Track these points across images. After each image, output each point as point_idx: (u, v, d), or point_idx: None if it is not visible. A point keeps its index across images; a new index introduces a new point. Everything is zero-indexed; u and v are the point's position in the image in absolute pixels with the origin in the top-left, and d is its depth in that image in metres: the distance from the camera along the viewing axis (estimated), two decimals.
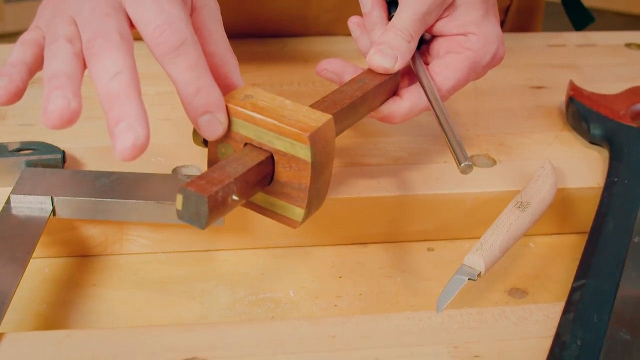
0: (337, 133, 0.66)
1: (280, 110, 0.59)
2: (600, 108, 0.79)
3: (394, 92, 0.70)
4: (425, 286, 0.69)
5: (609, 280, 0.61)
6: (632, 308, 0.60)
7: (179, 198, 0.54)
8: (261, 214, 0.61)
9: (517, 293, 0.69)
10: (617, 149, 0.75)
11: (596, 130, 0.77)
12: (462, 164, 0.62)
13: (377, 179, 0.73)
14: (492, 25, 0.72)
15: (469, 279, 0.63)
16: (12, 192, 0.67)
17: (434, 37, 0.73)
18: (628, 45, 1.00)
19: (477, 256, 0.63)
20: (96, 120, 0.80)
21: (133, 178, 0.69)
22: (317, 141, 0.57)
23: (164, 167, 0.74)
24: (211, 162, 0.62)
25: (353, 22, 0.76)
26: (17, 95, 0.56)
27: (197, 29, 0.62)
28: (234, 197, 0.56)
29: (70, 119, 0.52)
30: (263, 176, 0.58)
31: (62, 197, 0.67)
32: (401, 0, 0.70)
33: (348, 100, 0.65)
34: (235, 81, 0.62)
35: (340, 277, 0.70)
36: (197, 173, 0.73)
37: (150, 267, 0.70)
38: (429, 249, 0.73)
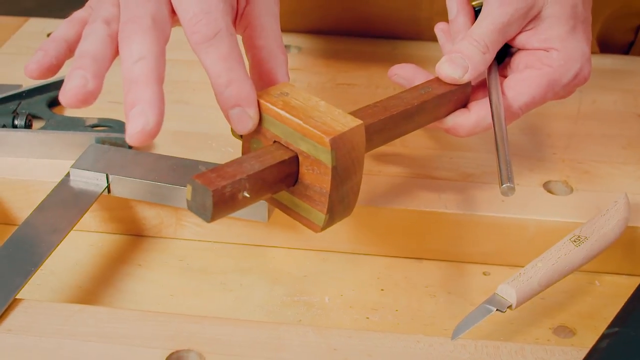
0: (387, 140, 0.64)
1: (310, 112, 0.57)
2: None
3: (464, 104, 0.67)
4: (468, 311, 0.65)
5: None
6: None
7: (189, 188, 0.54)
8: (286, 213, 0.60)
9: (564, 332, 0.64)
10: None
11: None
12: (504, 185, 0.59)
13: (439, 194, 0.70)
14: (578, 43, 0.67)
15: (496, 309, 0.59)
16: (73, 166, 0.69)
17: (518, 50, 0.69)
18: None
19: (510, 287, 0.60)
20: (182, 104, 0.82)
21: (191, 165, 0.70)
22: (341, 146, 0.56)
23: (231, 157, 0.73)
24: None
25: (439, 28, 0.73)
26: (50, 70, 0.57)
27: (249, 22, 0.62)
28: (246, 194, 0.55)
29: (85, 99, 0.53)
30: (285, 176, 0.57)
31: (117, 176, 0.68)
32: (484, 8, 0.67)
33: (402, 107, 0.63)
34: (278, 77, 0.61)
35: (382, 290, 0.67)
36: None
37: (197, 255, 0.70)
38: (484, 273, 0.69)
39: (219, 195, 0.53)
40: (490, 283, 0.68)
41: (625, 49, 0.97)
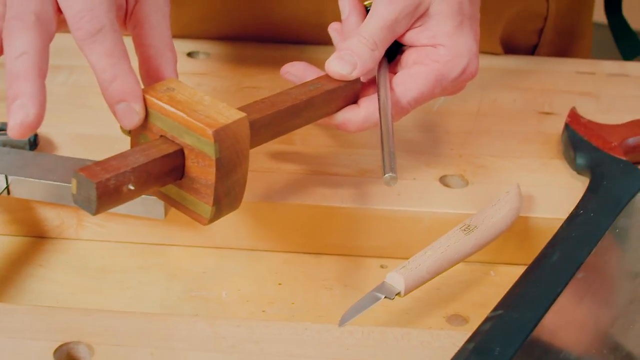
0: (275, 135, 0.65)
1: (195, 106, 0.58)
2: (592, 137, 0.74)
3: (354, 100, 0.69)
4: None
5: (530, 314, 0.57)
6: (543, 346, 0.56)
7: (74, 182, 0.54)
8: (175, 207, 0.61)
9: (457, 320, 0.65)
10: (597, 180, 0.70)
11: (581, 160, 0.73)
12: (386, 175, 0.60)
13: (336, 189, 0.71)
14: (465, 39, 0.69)
15: (385, 297, 0.60)
16: None
17: (408, 47, 0.71)
18: None
19: (398, 275, 0.61)
20: (86, 108, 0.82)
21: None
22: (224, 138, 0.57)
23: None
24: None
25: (333, 28, 0.75)
26: None
27: (138, 20, 0.63)
28: (130, 187, 0.55)
29: None
30: (170, 169, 0.58)
31: (16, 177, 0.69)
32: (372, 7, 0.69)
33: (290, 102, 0.64)
34: (166, 74, 0.62)
35: (279, 284, 0.68)
36: None
37: (97, 254, 0.70)
38: (382, 266, 0.70)
39: (103, 188, 0.54)
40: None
41: (530, 52, 0.99)
